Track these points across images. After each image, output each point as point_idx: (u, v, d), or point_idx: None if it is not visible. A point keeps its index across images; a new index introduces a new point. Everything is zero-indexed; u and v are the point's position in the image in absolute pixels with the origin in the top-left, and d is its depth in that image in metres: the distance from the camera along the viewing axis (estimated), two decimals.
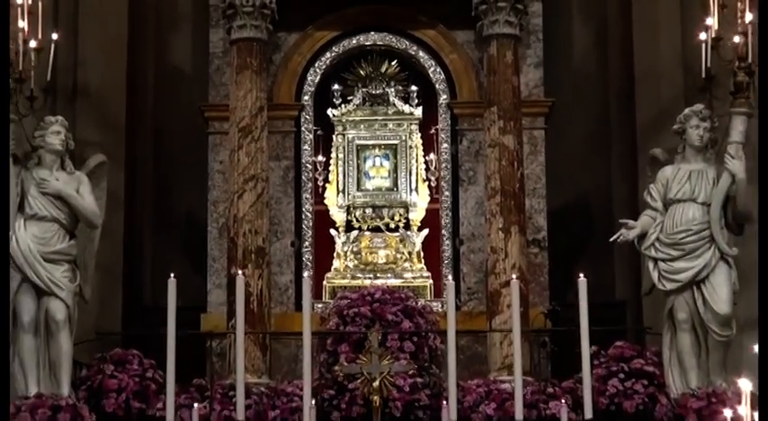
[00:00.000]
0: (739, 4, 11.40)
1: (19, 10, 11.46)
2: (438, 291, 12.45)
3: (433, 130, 13.12)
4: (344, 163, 12.98)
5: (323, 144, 13.10)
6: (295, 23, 12.97)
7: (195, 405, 11.06)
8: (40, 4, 11.67)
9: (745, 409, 9.80)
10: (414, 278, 12.69)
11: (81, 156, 11.94)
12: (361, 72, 13.26)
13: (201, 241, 12.90)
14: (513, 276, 11.73)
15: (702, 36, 11.49)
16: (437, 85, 13.12)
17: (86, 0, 13.28)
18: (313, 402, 11.04)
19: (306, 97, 13.08)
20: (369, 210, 12.89)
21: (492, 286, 12.19)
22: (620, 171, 13.61)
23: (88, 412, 11.41)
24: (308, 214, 12.99)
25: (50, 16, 12.11)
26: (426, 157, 13.05)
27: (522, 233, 12.26)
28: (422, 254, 12.88)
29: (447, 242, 12.93)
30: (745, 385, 9.83)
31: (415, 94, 13.13)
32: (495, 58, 12.48)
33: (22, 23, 11.47)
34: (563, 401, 11.15)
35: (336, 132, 13.06)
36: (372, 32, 13.18)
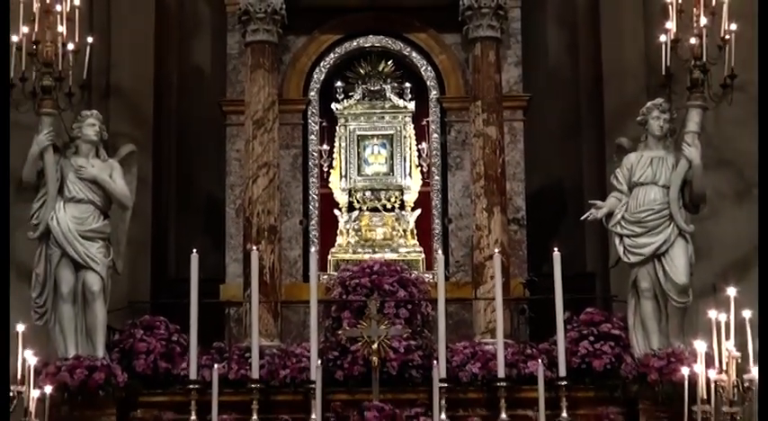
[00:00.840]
0: (694, 9, 11.43)
1: (59, 16, 11.51)
2: (429, 264, 12.50)
3: (424, 122, 13.14)
4: (346, 151, 13.02)
5: (327, 134, 13.13)
6: (302, 28, 13.00)
7: (215, 365, 11.16)
8: (77, 11, 11.69)
9: (699, 367, 9.88)
10: (408, 252, 12.73)
11: (113, 145, 11.96)
12: (361, 71, 13.28)
13: (220, 220, 12.93)
14: (496, 251, 11.87)
15: (662, 38, 11.51)
16: (428, 82, 13.15)
17: (118, 8, 13.30)
18: (319, 362, 11.13)
19: (312, 93, 13.10)
20: (368, 193, 12.93)
21: (477, 259, 12.25)
22: (589, 158, 13.63)
23: (120, 371, 11.44)
24: (315, 196, 13.02)
25: (86, 22, 12.17)
26: (419, 146, 13.08)
27: (504, 212, 12.31)
28: (415, 231, 12.91)
29: (437, 221, 12.96)
30: (700, 346, 9.94)
31: (409, 90, 13.15)
32: (480, 58, 12.52)
33: (62, 28, 11.49)
34: (540, 361, 11.19)
35: (339, 124, 13.09)
36: (371, 36, 13.21)
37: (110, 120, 12.32)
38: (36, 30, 11.49)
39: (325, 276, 12.32)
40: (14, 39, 11.46)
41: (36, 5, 11.52)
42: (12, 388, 10.01)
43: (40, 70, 11.51)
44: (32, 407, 10.03)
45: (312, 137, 13.07)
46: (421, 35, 13.10)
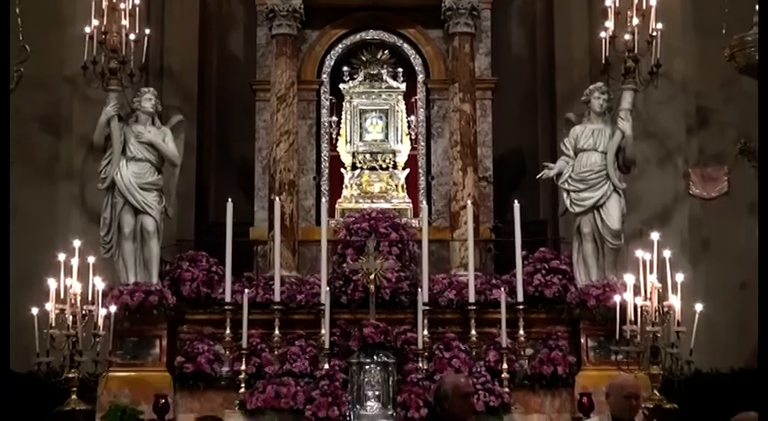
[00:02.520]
0: (629, 11, 11.43)
1: (123, 12, 11.52)
2: (416, 212, 12.50)
3: (413, 99, 13.10)
4: (351, 122, 12.99)
5: (335, 108, 13.10)
6: (316, 23, 12.96)
7: (245, 290, 11.21)
8: (137, 8, 11.72)
9: (629, 295, 9.93)
10: (399, 203, 12.73)
11: (165, 115, 11.96)
12: (363, 58, 13.23)
13: (250, 176, 12.92)
14: (468, 202, 11.91)
15: (603, 34, 11.49)
16: (416, 68, 13.11)
17: (170, 6, 13.25)
18: (327, 289, 11.18)
19: (324, 75, 13.07)
20: (367, 155, 12.91)
21: (453, 209, 12.28)
22: (543, 129, 13.60)
23: (170, 295, 11.51)
24: (325, 158, 13.00)
25: (144, 17, 12.15)
26: (408, 118, 13.04)
27: (475, 172, 12.33)
28: (404, 186, 12.89)
29: (422, 178, 12.95)
30: (629, 279, 10.02)
31: (401, 74, 13.10)
32: (457, 49, 12.52)
33: (125, 22, 11.51)
34: (502, 289, 11.22)
35: (345, 100, 13.05)
36: (371, 30, 13.16)
37: (162, 96, 12.32)
38: (104, 23, 11.52)
39: (333, 221, 12.34)
40: (87, 30, 11.47)
41: (105, 3, 11.55)
42: (84, 307, 10.06)
43: (108, 55, 11.54)
44: (100, 322, 10.10)
45: (324, 110, 13.05)
46: (411, 30, 13.08)
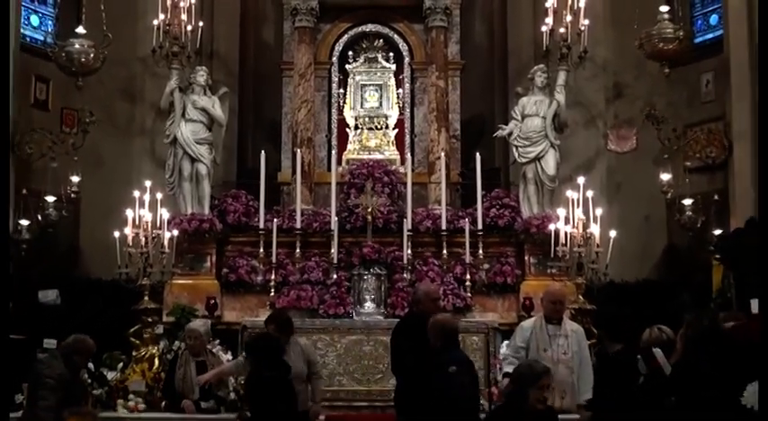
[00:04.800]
0: (564, 11, 11.34)
1: (182, 9, 11.42)
2: (402, 162, 12.38)
3: (401, 77, 12.96)
4: (354, 93, 12.84)
5: (342, 83, 12.97)
6: (328, 19, 12.76)
7: (274, 219, 11.20)
8: (193, 6, 11.61)
9: (561, 225, 9.91)
10: (389, 155, 12.59)
11: (214, 87, 11.84)
12: (363, 45, 13.05)
13: (278, 133, 12.80)
14: (442, 154, 11.87)
15: (544, 28, 11.40)
16: (404, 53, 12.94)
17: (217, 4, 13.13)
18: (336, 219, 11.19)
19: (334, 58, 12.91)
20: (366, 119, 12.77)
21: (430, 159, 12.19)
22: (498, 99, 13.45)
23: (218, 223, 11.51)
24: (334, 120, 12.88)
25: (198, 11, 11.99)
26: (397, 91, 12.91)
27: (447, 131, 12.24)
28: (394, 142, 12.75)
29: (407, 136, 12.86)
30: (561, 212, 10.01)
31: (392, 58, 12.94)
32: (434, 39, 12.38)
33: (184, 16, 11.43)
34: (466, 220, 11.26)
35: (349, 77, 12.88)
36: (370, 24, 12.97)
37: (212, 72, 12.22)
38: (168, 17, 11.42)
39: (340, 168, 12.26)
40: (155, 22, 11.38)
41: (169, 2, 11.44)
42: (153, 231, 10.07)
43: (171, 42, 11.44)
44: (165, 243, 10.11)
45: (333, 85, 12.94)
46: (400, 24, 12.93)
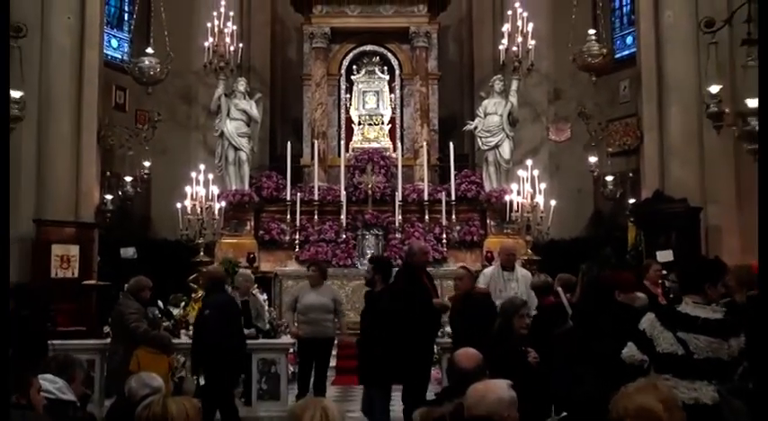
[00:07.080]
0: (516, 34, 11.26)
1: (225, 34, 11.30)
2: (394, 149, 12.32)
3: (393, 85, 12.83)
4: (357, 97, 12.74)
5: (349, 90, 12.85)
6: (338, 41, 12.59)
7: (298, 193, 11.19)
8: (235, 32, 11.51)
9: (514, 196, 9.88)
10: (384, 144, 12.49)
11: (252, 93, 11.78)
12: (364, 61, 12.91)
13: (300, 128, 12.65)
14: (424, 144, 11.82)
15: (501, 47, 11.34)
16: (395, 67, 12.81)
17: (254, 29, 13.02)
18: (344, 193, 11.17)
19: (342, 71, 12.79)
20: (367, 117, 12.67)
21: (415, 147, 12.14)
22: (467, 102, 13.36)
23: (254, 195, 11.48)
24: (343, 118, 12.78)
25: (239, 35, 11.87)
26: (390, 96, 12.80)
27: (428, 126, 12.16)
28: (388, 134, 12.64)
29: (398, 130, 12.72)
30: (514, 187, 9.97)
31: (386, 70, 12.82)
32: (418, 56, 12.28)
33: (227, 39, 11.36)
34: (443, 193, 11.24)
35: (354, 85, 12.77)
36: (369, 45, 12.83)
37: (250, 82, 12.16)
38: (216, 39, 11.34)
39: (347, 154, 12.19)
40: (206, 44, 11.33)
41: (216, 29, 11.35)
42: (206, 202, 10.02)
43: (218, 58, 11.36)
44: (216, 211, 10.10)
45: (342, 91, 12.82)
46: (392, 45, 12.79)
